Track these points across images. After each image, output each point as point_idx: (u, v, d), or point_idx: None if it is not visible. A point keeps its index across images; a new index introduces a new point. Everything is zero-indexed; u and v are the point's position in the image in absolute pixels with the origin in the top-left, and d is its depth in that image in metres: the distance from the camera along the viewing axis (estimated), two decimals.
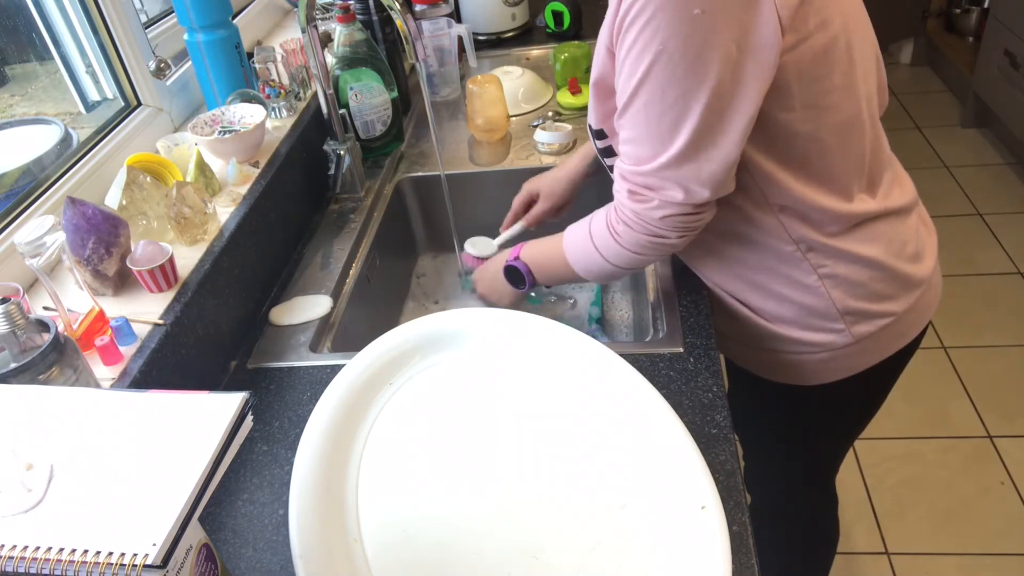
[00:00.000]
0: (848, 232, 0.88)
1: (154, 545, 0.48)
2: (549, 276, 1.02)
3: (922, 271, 0.94)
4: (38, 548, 0.49)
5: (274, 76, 1.33)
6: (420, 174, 1.41)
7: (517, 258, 1.02)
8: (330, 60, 1.33)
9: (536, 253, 1.02)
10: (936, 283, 0.99)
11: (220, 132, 1.16)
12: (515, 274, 1.04)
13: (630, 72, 0.75)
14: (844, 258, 0.88)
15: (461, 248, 1.29)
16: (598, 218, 0.90)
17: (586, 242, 0.91)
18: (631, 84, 0.75)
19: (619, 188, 0.84)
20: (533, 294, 1.28)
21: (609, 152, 0.91)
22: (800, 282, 0.90)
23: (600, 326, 1.23)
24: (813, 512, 1.29)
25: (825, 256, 0.88)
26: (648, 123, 0.76)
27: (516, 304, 1.09)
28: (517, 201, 1.23)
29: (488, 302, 1.12)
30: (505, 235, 1.25)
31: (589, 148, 1.17)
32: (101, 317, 0.85)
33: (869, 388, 1.05)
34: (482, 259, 1.21)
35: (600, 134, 0.90)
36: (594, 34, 1.78)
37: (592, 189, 1.21)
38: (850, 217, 0.87)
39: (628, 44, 0.74)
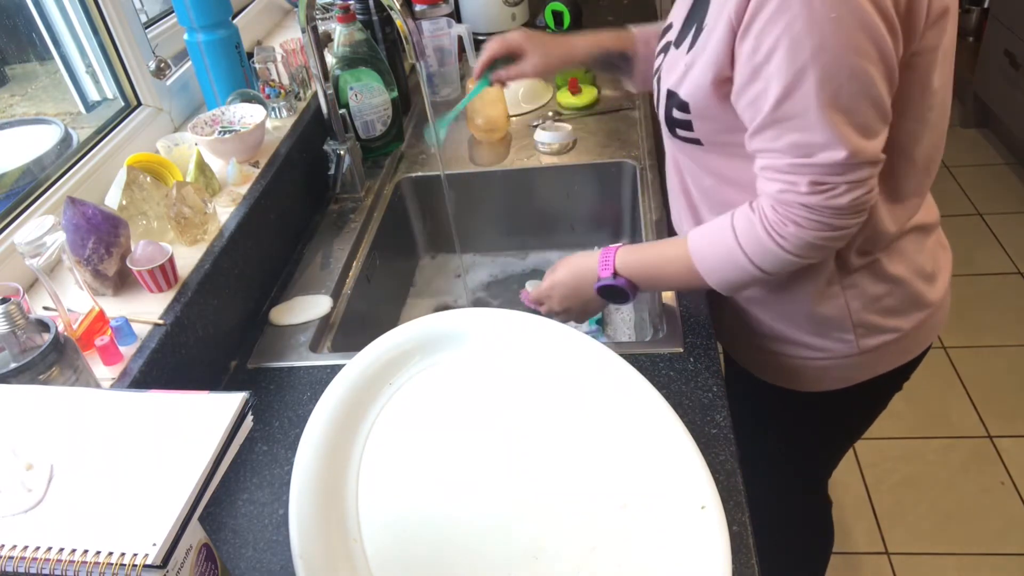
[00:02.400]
0: (882, 244, 0.87)
1: (154, 545, 0.48)
2: (659, 287, 0.94)
3: (935, 292, 0.94)
4: (38, 548, 0.49)
5: (274, 76, 1.33)
6: (420, 174, 1.41)
7: (615, 274, 0.90)
8: (330, 60, 1.33)
9: (641, 266, 0.90)
10: (945, 306, 0.98)
11: (220, 132, 1.16)
12: (615, 292, 0.92)
13: (788, 56, 0.69)
14: (872, 270, 0.88)
15: (461, 248, 1.28)
16: (743, 227, 0.80)
17: (733, 255, 0.81)
18: (791, 68, 0.69)
19: (788, 185, 0.75)
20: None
21: (686, 126, 0.84)
22: (823, 291, 0.89)
23: (600, 326, 1.23)
24: (809, 514, 1.29)
25: (853, 267, 0.88)
26: (820, 106, 0.70)
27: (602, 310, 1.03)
28: (498, 45, 1.07)
29: (571, 316, 1.01)
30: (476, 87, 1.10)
31: (600, 37, 1.08)
32: (101, 317, 0.85)
33: (865, 400, 1.05)
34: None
35: (684, 106, 0.83)
36: None
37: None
38: (894, 235, 0.86)
39: (790, 18, 0.68)
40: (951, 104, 0.82)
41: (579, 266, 0.95)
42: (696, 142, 0.85)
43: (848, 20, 0.66)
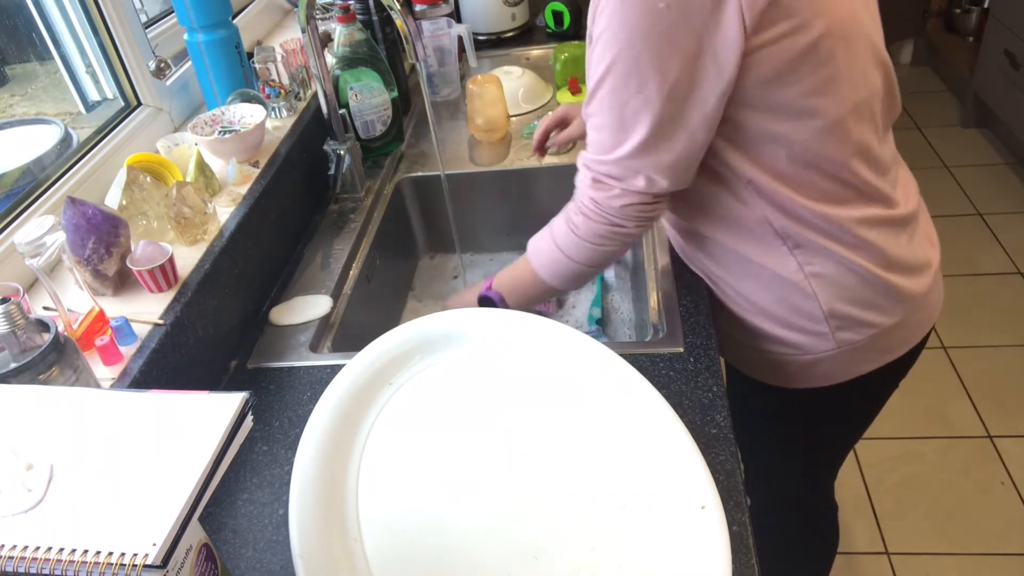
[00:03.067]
0: (839, 235, 0.86)
1: (154, 545, 0.48)
2: (521, 297, 1.01)
3: (915, 286, 0.92)
4: (38, 548, 0.49)
5: (274, 76, 1.33)
6: (420, 174, 1.41)
7: (490, 287, 1.01)
8: (330, 60, 1.33)
9: (506, 278, 1.01)
10: (933, 301, 0.96)
11: (220, 132, 1.16)
12: (489, 304, 1.02)
13: (598, 60, 0.77)
14: (832, 259, 0.87)
15: (461, 248, 1.29)
16: (558, 219, 0.92)
17: (549, 244, 0.92)
18: (598, 72, 0.78)
19: (582, 177, 0.86)
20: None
21: None
22: (788, 279, 0.89)
23: (600, 326, 1.23)
24: (811, 516, 1.29)
25: (812, 254, 0.87)
26: (611, 111, 0.79)
27: None
28: (549, 120, 1.22)
29: None
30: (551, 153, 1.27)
31: None
32: (101, 317, 0.85)
33: (856, 398, 1.04)
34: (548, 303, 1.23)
35: None
36: None
37: None
38: (835, 220, 0.85)
39: (597, 33, 0.77)
40: (888, 90, 0.86)
41: (476, 286, 1.05)
42: None
43: (637, 43, 0.73)
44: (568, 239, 0.89)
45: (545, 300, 1.06)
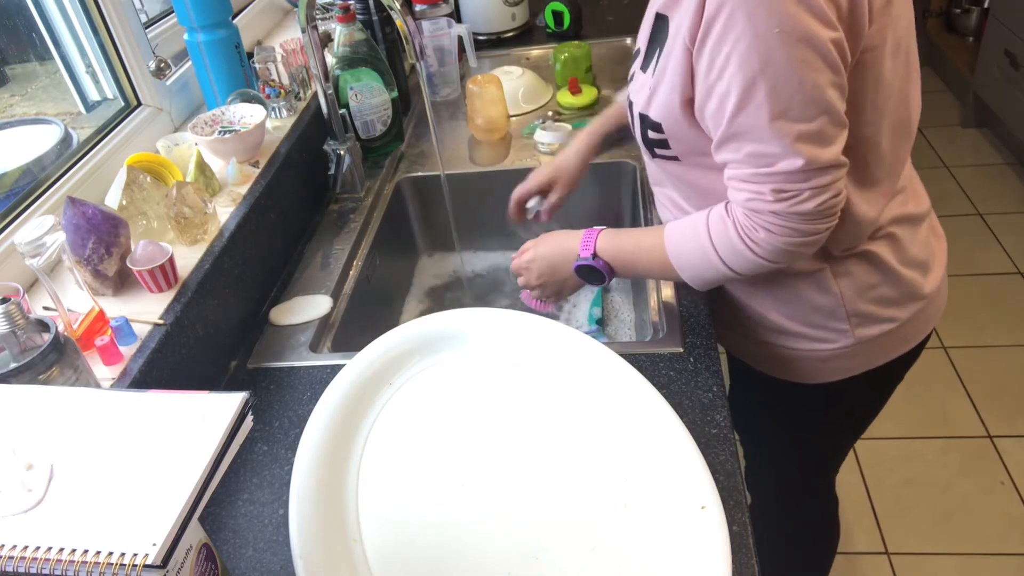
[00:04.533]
0: (869, 234, 0.88)
1: (154, 545, 0.48)
2: (634, 274, 0.95)
3: (930, 282, 0.95)
4: (38, 548, 0.49)
5: (274, 76, 1.33)
6: (420, 174, 1.41)
7: (595, 256, 0.93)
8: (330, 60, 1.33)
9: (619, 251, 0.93)
10: (942, 295, 0.99)
11: (220, 132, 1.16)
12: (592, 272, 0.95)
13: (736, 70, 0.71)
14: (861, 260, 0.89)
15: (462, 249, 1.28)
16: (718, 228, 0.82)
17: (708, 256, 0.84)
18: (742, 81, 0.71)
19: (755, 194, 0.77)
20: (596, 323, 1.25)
21: (663, 144, 0.87)
22: (814, 278, 0.90)
23: (600, 326, 1.23)
24: (812, 513, 1.29)
25: (843, 256, 0.89)
26: (771, 114, 0.72)
27: (574, 292, 1.04)
28: (532, 185, 1.15)
29: (546, 292, 1.03)
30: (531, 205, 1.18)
31: (595, 122, 1.14)
32: (101, 317, 0.85)
33: (867, 392, 1.05)
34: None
35: (657, 127, 0.85)
36: (594, 34, 1.79)
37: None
38: (873, 220, 0.86)
39: (736, 34, 0.70)
40: (911, 96, 0.84)
41: (561, 244, 0.98)
42: (675, 159, 0.88)
43: (791, 34, 0.68)
44: (740, 256, 0.81)
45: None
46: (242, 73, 1.28)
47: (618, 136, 1.15)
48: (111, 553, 0.48)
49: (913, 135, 0.86)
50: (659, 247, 0.89)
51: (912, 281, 0.92)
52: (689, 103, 0.80)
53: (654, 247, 0.90)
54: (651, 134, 0.87)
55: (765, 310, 0.96)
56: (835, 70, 0.71)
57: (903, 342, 0.97)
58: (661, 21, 0.81)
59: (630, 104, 0.91)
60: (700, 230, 0.84)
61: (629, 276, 0.98)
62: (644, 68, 0.86)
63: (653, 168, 0.98)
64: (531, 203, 1.18)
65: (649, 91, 0.84)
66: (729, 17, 0.70)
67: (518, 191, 1.17)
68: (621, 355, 0.84)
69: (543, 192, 1.17)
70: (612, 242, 0.93)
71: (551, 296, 1.04)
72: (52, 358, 0.67)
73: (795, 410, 1.08)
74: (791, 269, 0.90)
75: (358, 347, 0.87)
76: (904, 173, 0.90)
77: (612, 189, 1.38)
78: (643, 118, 0.87)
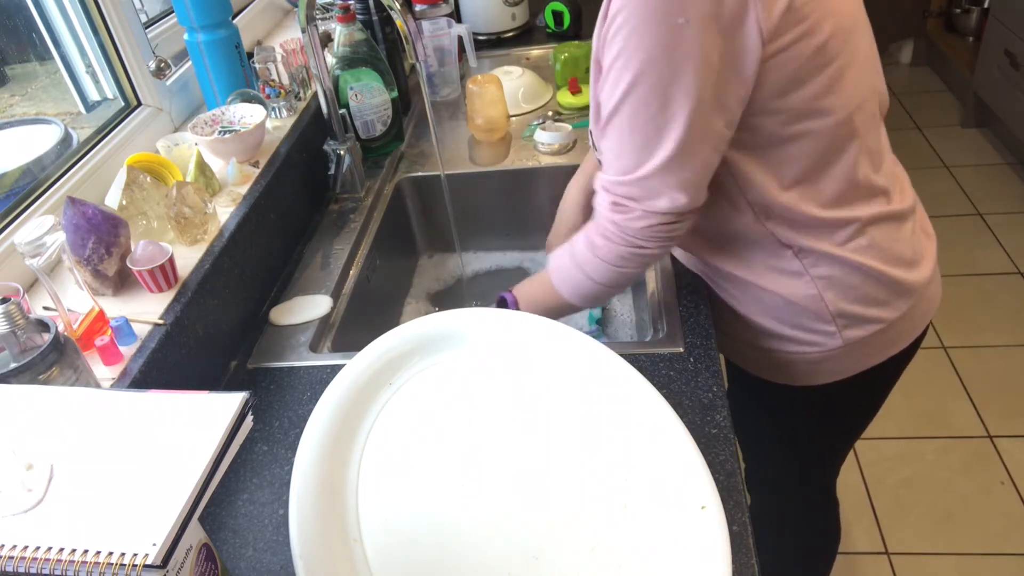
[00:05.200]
0: (841, 237, 0.87)
1: (154, 545, 0.48)
2: (541, 310, 0.98)
3: (917, 278, 0.93)
4: (38, 548, 0.49)
5: (274, 76, 1.33)
6: (420, 174, 1.41)
7: (510, 291, 1.00)
8: (330, 60, 1.33)
9: (528, 290, 0.99)
10: (933, 292, 0.97)
11: (220, 132, 1.16)
12: (503, 306, 1.00)
13: (615, 82, 0.76)
14: (837, 262, 0.88)
15: (462, 249, 1.28)
16: (579, 240, 0.90)
17: (570, 264, 0.91)
18: (616, 94, 0.76)
19: (601, 201, 0.85)
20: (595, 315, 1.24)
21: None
22: (793, 282, 0.90)
23: (600, 326, 1.23)
24: (812, 514, 1.29)
25: (817, 259, 0.88)
26: (632, 132, 0.77)
27: None
28: None
29: None
30: None
31: (575, 194, 1.14)
32: (101, 317, 0.85)
33: (862, 393, 1.05)
34: None
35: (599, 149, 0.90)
36: (594, 34, 1.79)
37: None
38: (840, 222, 0.86)
39: (614, 55, 0.75)
40: (854, 94, 0.82)
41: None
42: None
43: (658, 63, 0.72)
44: (589, 261, 0.88)
45: (564, 315, 1.02)
46: (242, 73, 1.28)
47: None
48: (111, 553, 0.48)
49: (860, 134, 0.83)
50: (548, 277, 0.95)
51: (898, 280, 0.91)
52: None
53: (546, 280, 0.95)
54: (597, 155, 0.92)
55: (754, 314, 0.96)
56: (713, 100, 0.75)
57: (894, 342, 0.96)
58: None
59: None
60: (567, 247, 0.92)
61: (538, 311, 1.00)
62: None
63: None
64: None
65: (592, 115, 0.89)
66: (614, 35, 0.74)
67: None
68: (621, 355, 0.84)
69: None
70: (527, 286, 1.00)
71: None
72: (52, 358, 0.68)
73: (791, 412, 1.08)
74: (773, 272, 0.90)
75: (358, 347, 0.87)
76: (875, 178, 0.88)
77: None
78: (595, 145, 0.92)
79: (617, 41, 0.74)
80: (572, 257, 0.91)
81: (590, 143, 0.96)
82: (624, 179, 0.80)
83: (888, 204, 0.89)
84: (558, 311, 0.98)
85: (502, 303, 1.01)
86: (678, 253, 1.04)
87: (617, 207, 0.82)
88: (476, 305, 1.35)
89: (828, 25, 0.76)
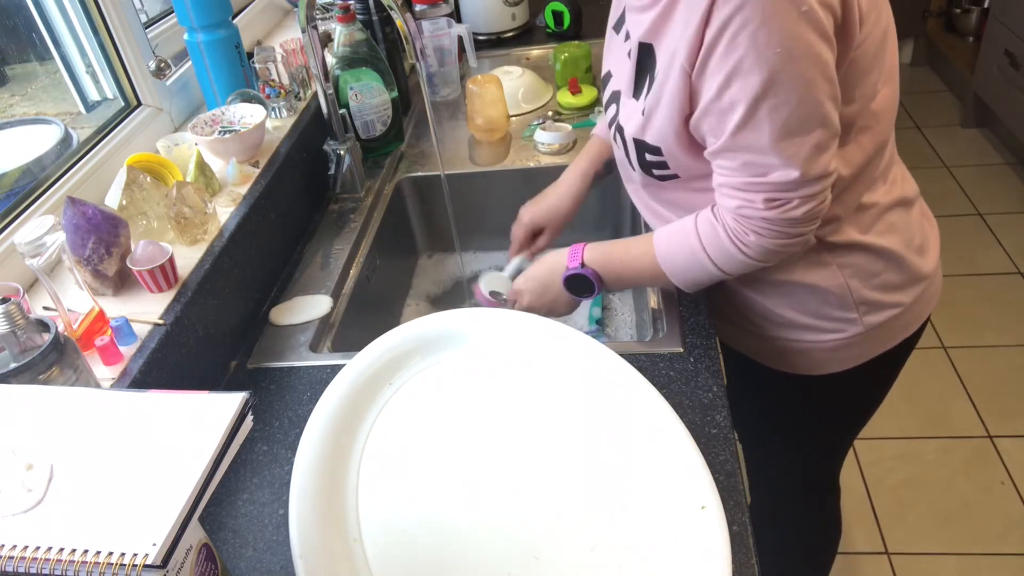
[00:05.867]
0: (865, 223, 0.90)
1: (154, 545, 0.48)
2: (623, 282, 0.98)
3: (928, 263, 0.97)
4: (38, 548, 0.49)
5: (274, 76, 1.33)
6: (420, 174, 1.41)
7: (583, 265, 0.96)
8: (330, 60, 1.33)
9: (607, 259, 0.95)
10: (939, 276, 1.01)
11: (220, 132, 1.16)
12: (581, 283, 0.97)
13: (743, 85, 0.73)
14: (862, 249, 0.90)
15: (462, 249, 1.28)
16: (707, 232, 0.86)
17: (699, 259, 0.87)
18: (750, 93, 0.73)
19: (746, 202, 0.80)
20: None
21: (662, 166, 0.89)
22: (821, 271, 0.91)
23: (600, 326, 1.23)
24: (812, 513, 1.29)
25: (844, 248, 0.90)
26: (774, 130, 0.75)
27: (572, 308, 1.04)
28: (520, 232, 1.17)
29: (540, 313, 1.01)
30: (511, 267, 1.16)
31: (583, 162, 1.14)
32: (101, 317, 0.85)
33: (874, 378, 1.06)
34: (500, 297, 1.11)
35: (656, 150, 0.88)
36: (594, 34, 1.79)
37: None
38: (865, 207, 0.89)
39: (738, 57, 0.72)
40: (894, 75, 0.87)
41: (549, 261, 1.00)
42: (674, 177, 0.90)
43: (793, 52, 0.71)
44: (731, 258, 0.84)
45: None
46: (242, 73, 1.28)
47: (605, 172, 1.16)
48: (111, 553, 0.48)
49: (895, 116, 0.89)
50: (648, 253, 0.91)
51: (913, 264, 0.94)
52: (687, 122, 0.82)
53: (643, 254, 0.92)
54: (649, 157, 0.90)
55: (773, 305, 0.96)
56: (831, 83, 0.75)
57: (907, 326, 0.99)
58: (646, 49, 0.84)
59: (617, 128, 0.93)
60: (690, 234, 0.87)
61: (617, 286, 1.00)
62: (636, 95, 0.88)
63: (644, 194, 1.00)
64: (512, 263, 1.16)
65: (643, 117, 0.87)
66: (732, 39, 0.72)
67: (515, 242, 1.17)
68: (621, 355, 0.84)
69: (535, 234, 1.17)
70: (599, 251, 0.96)
71: (550, 313, 1.03)
72: (52, 358, 0.68)
73: (798, 403, 1.09)
74: (797, 263, 0.91)
75: (358, 347, 0.87)
76: (893, 154, 0.93)
77: (612, 189, 1.37)
78: (638, 143, 0.89)
79: (741, 43, 0.71)
80: (705, 253, 0.86)
81: (615, 142, 0.94)
82: (771, 179, 0.78)
83: (899, 189, 0.93)
84: (640, 285, 0.99)
85: (578, 281, 0.96)
86: None
87: (772, 203, 0.79)
88: (476, 305, 1.35)
89: (885, 12, 0.81)
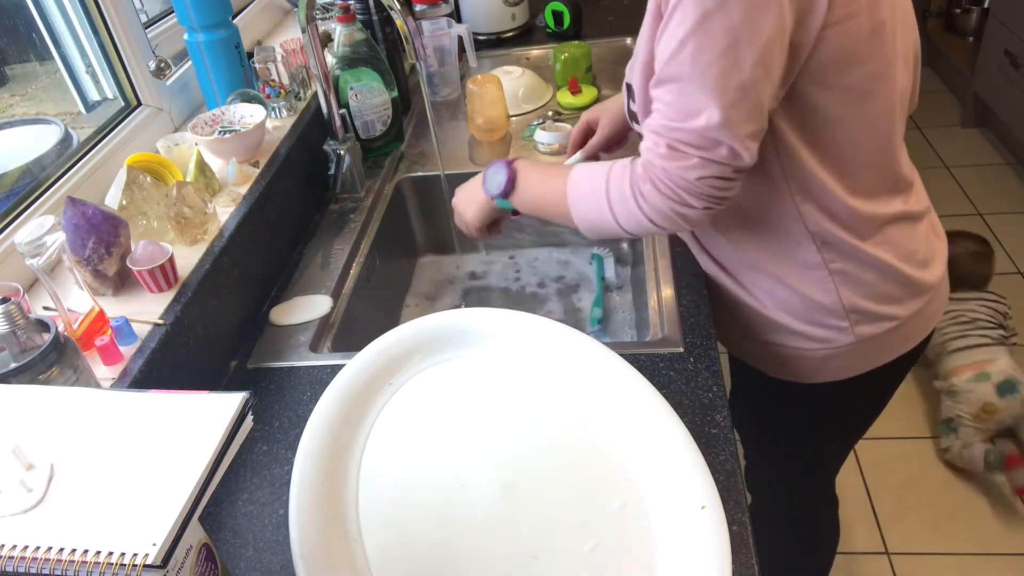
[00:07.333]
0: (864, 232, 0.88)
1: (154, 545, 0.48)
2: (531, 203, 0.94)
3: (930, 278, 0.94)
4: (38, 548, 0.49)
5: (274, 76, 1.33)
6: (420, 174, 1.41)
7: (511, 163, 0.94)
8: (330, 60, 1.33)
9: (531, 173, 0.93)
10: (943, 291, 0.98)
11: (220, 132, 1.16)
12: (496, 175, 0.96)
13: (681, 19, 0.71)
14: (857, 257, 0.89)
15: (462, 248, 1.28)
16: (618, 172, 0.82)
17: (599, 194, 0.83)
18: (681, 31, 0.71)
19: (653, 144, 0.77)
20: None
21: (634, 117, 0.88)
22: (810, 274, 0.90)
23: (602, 327, 1.23)
24: (812, 514, 1.29)
25: (839, 252, 0.89)
26: (695, 73, 0.71)
27: (481, 221, 1.03)
28: (576, 131, 1.16)
29: (458, 216, 1.06)
30: (569, 162, 1.15)
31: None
32: (101, 317, 0.85)
33: (869, 392, 1.05)
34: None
35: (632, 96, 0.87)
36: (594, 34, 1.79)
37: None
38: (869, 217, 0.87)
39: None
40: (896, 83, 0.83)
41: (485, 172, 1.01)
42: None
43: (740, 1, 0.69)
44: (626, 205, 0.81)
45: (550, 220, 0.96)
46: (242, 73, 1.28)
47: None
48: (111, 553, 0.48)
49: (896, 127, 0.86)
50: (563, 182, 0.89)
51: (912, 278, 0.92)
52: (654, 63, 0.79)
53: (560, 184, 0.89)
54: (631, 106, 0.88)
55: (763, 307, 0.96)
56: (769, 48, 0.71)
57: (904, 341, 0.97)
58: None
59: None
60: (602, 171, 0.84)
61: (529, 204, 0.96)
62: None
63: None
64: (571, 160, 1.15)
65: (632, 58, 0.86)
66: None
67: (574, 140, 1.17)
68: (621, 355, 0.84)
69: (589, 134, 1.15)
70: (532, 166, 0.95)
71: (466, 224, 1.05)
72: (52, 358, 0.68)
73: (794, 410, 1.08)
74: (793, 263, 0.90)
75: (358, 347, 0.87)
76: (904, 172, 0.90)
77: None
78: (628, 88, 0.88)
79: None
80: (606, 192, 0.83)
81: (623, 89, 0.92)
82: (684, 125, 0.73)
83: (907, 203, 0.91)
84: (546, 216, 0.94)
85: (495, 174, 0.96)
86: (693, 247, 1.03)
87: (673, 153, 0.75)
88: (475, 305, 1.35)
89: (888, 5, 0.77)
